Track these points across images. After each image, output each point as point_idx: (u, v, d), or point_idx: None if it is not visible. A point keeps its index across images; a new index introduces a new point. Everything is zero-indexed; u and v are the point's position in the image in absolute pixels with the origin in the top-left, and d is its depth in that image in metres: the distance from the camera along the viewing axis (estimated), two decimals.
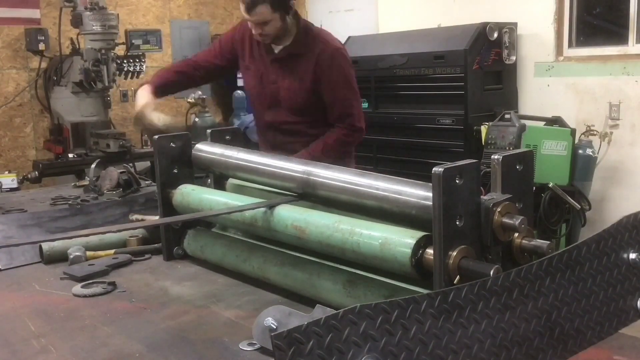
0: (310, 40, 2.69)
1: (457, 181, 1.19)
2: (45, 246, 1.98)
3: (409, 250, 1.25)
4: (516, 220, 1.22)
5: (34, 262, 2.00)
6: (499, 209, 1.23)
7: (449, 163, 1.19)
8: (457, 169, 1.19)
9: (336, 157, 2.55)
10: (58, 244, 1.99)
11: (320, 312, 1.23)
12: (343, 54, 2.73)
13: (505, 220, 1.22)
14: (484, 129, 4.66)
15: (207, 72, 2.91)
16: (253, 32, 2.66)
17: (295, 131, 2.74)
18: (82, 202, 2.63)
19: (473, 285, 1.00)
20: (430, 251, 1.23)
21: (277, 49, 2.73)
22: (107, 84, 5.05)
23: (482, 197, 1.25)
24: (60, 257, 1.98)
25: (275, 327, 1.27)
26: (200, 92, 5.25)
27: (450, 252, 1.19)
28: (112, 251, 2.00)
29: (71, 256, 1.94)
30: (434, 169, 1.17)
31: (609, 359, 1.27)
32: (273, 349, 0.81)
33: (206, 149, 1.96)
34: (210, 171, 2.01)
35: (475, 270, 1.17)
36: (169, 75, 2.91)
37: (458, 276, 1.19)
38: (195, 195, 1.88)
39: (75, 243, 1.99)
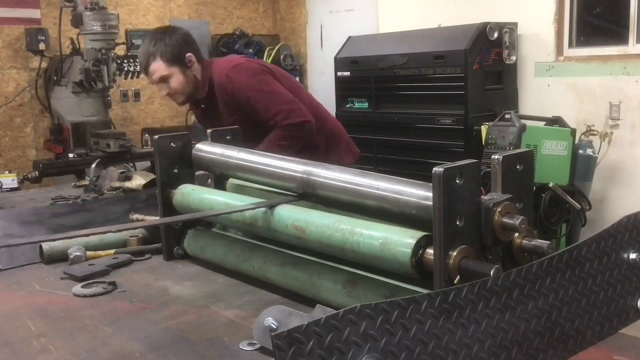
0: (214, 80, 2.80)
1: (457, 181, 1.19)
2: (46, 246, 1.98)
3: (409, 250, 1.25)
4: (516, 220, 1.22)
5: (34, 262, 2.00)
6: (499, 209, 1.23)
7: (449, 163, 1.19)
8: (458, 169, 1.19)
9: (291, 151, 2.58)
10: (58, 244, 1.99)
11: (320, 312, 1.23)
12: (237, 70, 2.75)
13: (506, 220, 1.22)
14: (484, 129, 4.66)
15: None
16: (161, 94, 2.82)
17: None
18: (82, 201, 2.63)
19: (473, 285, 1.00)
20: (430, 251, 1.23)
21: (202, 102, 2.90)
22: (107, 83, 5.05)
23: (482, 197, 1.25)
24: (60, 257, 1.98)
25: (275, 327, 1.27)
26: None
27: (450, 252, 1.19)
28: (113, 251, 2.00)
29: (71, 256, 1.94)
30: (434, 168, 1.17)
31: (609, 359, 1.27)
32: (273, 348, 0.81)
33: (206, 149, 1.96)
34: (210, 171, 2.01)
35: (476, 270, 1.17)
36: None
37: (458, 276, 1.19)
38: (195, 195, 1.88)
39: (75, 243, 1.99)
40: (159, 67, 2.74)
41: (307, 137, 2.79)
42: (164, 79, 2.76)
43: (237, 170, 1.87)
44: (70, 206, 2.50)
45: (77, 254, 1.95)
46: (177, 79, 2.76)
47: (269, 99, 2.73)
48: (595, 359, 1.26)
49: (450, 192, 1.18)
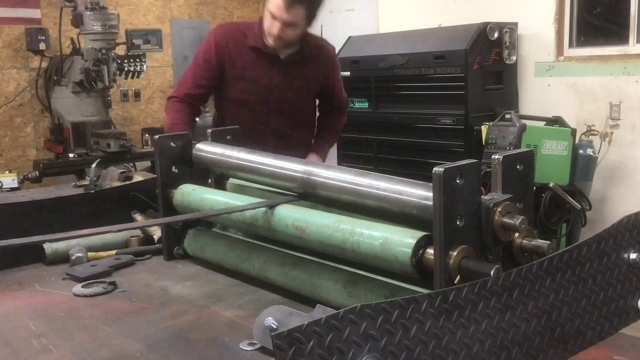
0: (313, 45, 2.79)
1: (457, 181, 1.19)
2: (49, 250, 1.98)
3: (409, 250, 1.25)
4: (517, 220, 1.21)
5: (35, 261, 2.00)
6: (499, 209, 1.23)
7: (449, 163, 1.19)
8: (458, 169, 1.19)
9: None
10: (59, 246, 1.99)
11: (320, 312, 1.23)
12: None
13: (506, 220, 1.22)
14: (484, 129, 4.65)
15: (204, 98, 2.88)
16: (274, 32, 2.60)
17: (294, 136, 2.84)
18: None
19: (473, 285, 1.00)
20: (430, 251, 1.23)
21: (282, 54, 2.73)
22: (107, 83, 5.06)
23: (482, 197, 1.25)
24: (61, 258, 1.98)
25: (275, 327, 1.27)
26: None
27: (450, 252, 1.19)
28: (114, 252, 2.00)
29: (73, 257, 1.94)
30: (434, 169, 1.17)
31: (609, 359, 1.27)
32: (274, 348, 0.81)
33: (207, 149, 1.96)
34: (210, 171, 2.01)
35: (476, 270, 1.17)
36: (186, 127, 2.64)
37: (458, 276, 1.19)
38: (195, 195, 1.88)
39: (76, 244, 1.99)
40: (299, 13, 2.56)
41: None
42: (293, 25, 2.59)
43: (238, 170, 1.87)
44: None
45: (79, 255, 1.94)
46: (299, 30, 2.63)
47: (342, 86, 3.02)
48: (595, 359, 1.26)
49: (451, 192, 1.18)
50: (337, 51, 5.96)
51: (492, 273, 1.13)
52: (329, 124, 3.02)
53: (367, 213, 1.46)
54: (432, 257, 1.22)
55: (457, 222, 1.20)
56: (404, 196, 1.34)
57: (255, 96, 2.75)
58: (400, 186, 1.36)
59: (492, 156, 1.29)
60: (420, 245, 1.25)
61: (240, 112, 2.76)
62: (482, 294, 1.01)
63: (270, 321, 1.29)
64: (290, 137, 2.81)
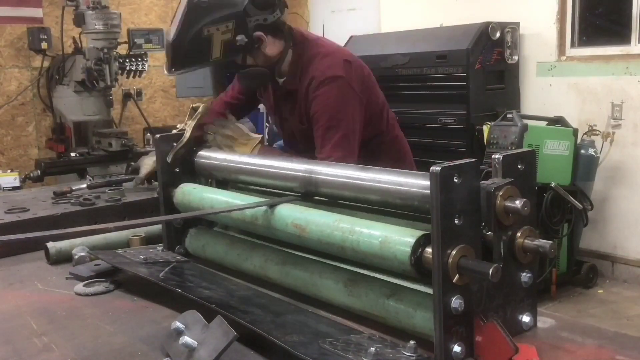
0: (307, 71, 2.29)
1: (455, 180, 1.18)
2: (52, 249, 1.99)
3: (408, 249, 1.24)
4: (519, 203, 1.20)
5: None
6: (500, 193, 1.21)
7: (447, 162, 1.19)
8: (455, 168, 1.18)
9: None
10: (63, 245, 1.99)
11: (218, 322, 1.23)
12: (330, 82, 2.23)
13: (508, 203, 1.21)
14: (486, 128, 4.65)
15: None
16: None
17: None
18: (84, 200, 2.61)
19: None
20: (430, 250, 1.22)
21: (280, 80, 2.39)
22: (109, 83, 5.06)
23: (483, 182, 1.23)
24: (65, 257, 1.98)
25: (182, 329, 1.27)
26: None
27: (449, 251, 1.18)
28: None
29: (76, 257, 1.94)
30: (431, 167, 1.16)
31: (611, 359, 1.27)
32: None
33: (208, 155, 1.96)
34: (212, 176, 2.00)
35: (475, 270, 1.16)
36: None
37: (457, 275, 1.18)
38: (196, 194, 1.88)
39: (79, 243, 2.00)
40: None
41: None
42: None
43: (240, 173, 1.86)
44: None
45: (82, 254, 1.95)
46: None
47: (331, 136, 2.21)
48: (597, 359, 1.26)
49: (449, 191, 1.17)
50: None
51: (490, 272, 1.12)
52: None
53: (371, 209, 1.46)
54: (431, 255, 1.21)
55: (456, 221, 1.19)
56: (405, 187, 1.33)
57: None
58: (401, 177, 1.35)
59: (492, 156, 1.28)
60: (420, 243, 1.24)
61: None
62: None
63: (177, 324, 1.28)
64: None
